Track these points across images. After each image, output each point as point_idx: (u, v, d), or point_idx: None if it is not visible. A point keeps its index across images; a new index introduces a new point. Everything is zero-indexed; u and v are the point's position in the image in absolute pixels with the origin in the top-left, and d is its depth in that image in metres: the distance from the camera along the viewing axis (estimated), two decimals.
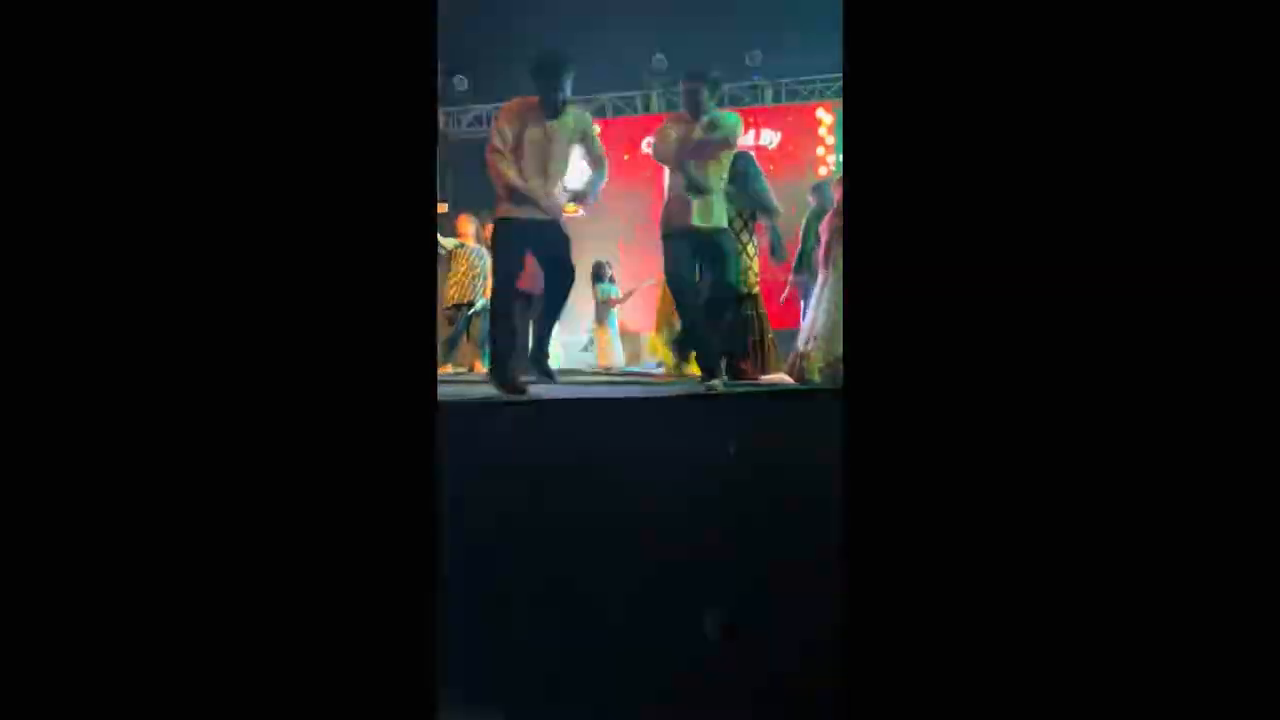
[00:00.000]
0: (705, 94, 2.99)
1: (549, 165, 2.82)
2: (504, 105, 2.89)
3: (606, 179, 3.05)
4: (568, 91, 2.78)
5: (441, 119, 8.09)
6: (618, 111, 7.93)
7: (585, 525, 2.07)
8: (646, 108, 7.86)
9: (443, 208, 5.50)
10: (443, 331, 5.16)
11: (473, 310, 5.25)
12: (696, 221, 2.98)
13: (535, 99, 2.79)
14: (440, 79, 7.88)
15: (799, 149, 7.69)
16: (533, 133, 2.77)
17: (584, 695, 2.04)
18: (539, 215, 2.80)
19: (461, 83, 7.81)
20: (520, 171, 2.76)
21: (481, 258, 5.21)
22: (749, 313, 3.65)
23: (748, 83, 7.57)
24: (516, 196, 2.77)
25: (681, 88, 3.08)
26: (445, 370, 5.32)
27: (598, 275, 6.03)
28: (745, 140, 7.41)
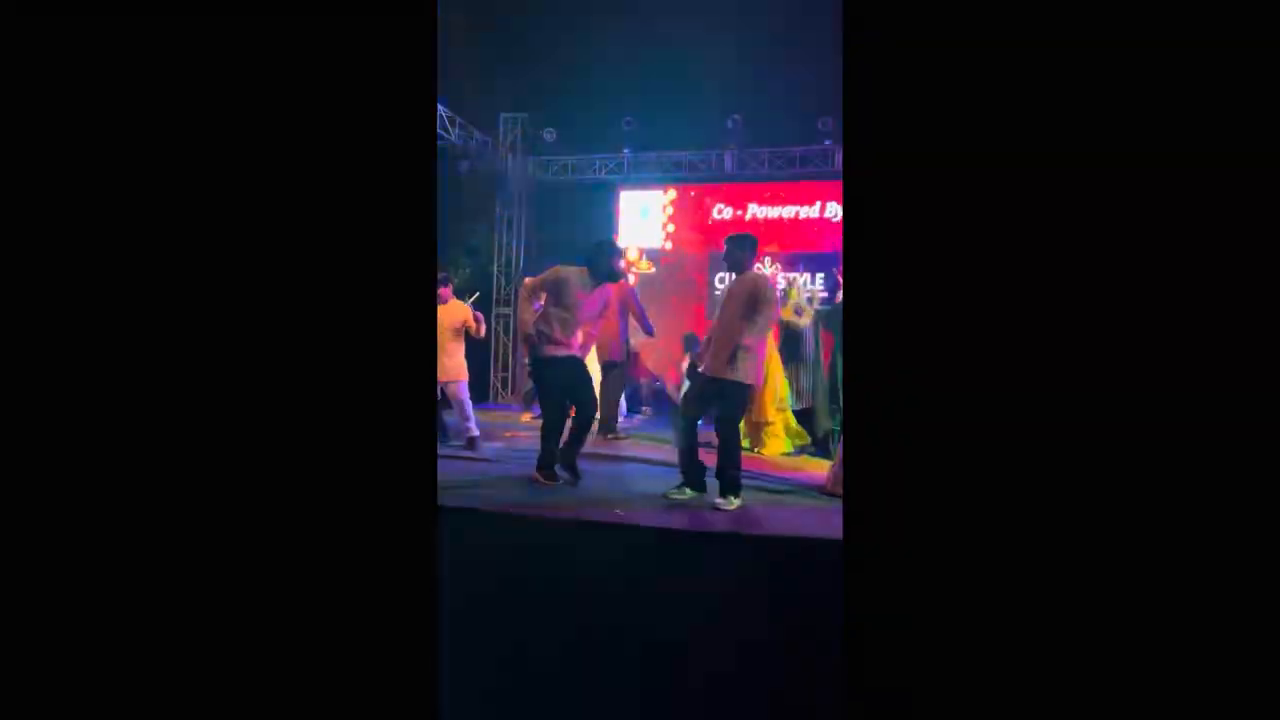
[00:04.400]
0: (748, 254, 3.35)
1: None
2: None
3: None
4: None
5: (530, 166, 8.80)
6: (693, 169, 8.42)
7: None
8: (722, 166, 8.31)
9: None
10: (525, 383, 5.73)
11: None
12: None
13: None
14: (522, 129, 8.57)
15: None
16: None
17: None
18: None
19: (550, 135, 8.43)
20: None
21: None
22: None
23: (819, 146, 7.94)
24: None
25: (726, 248, 3.41)
26: (526, 419, 5.97)
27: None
28: (812, 212, 8.06)
